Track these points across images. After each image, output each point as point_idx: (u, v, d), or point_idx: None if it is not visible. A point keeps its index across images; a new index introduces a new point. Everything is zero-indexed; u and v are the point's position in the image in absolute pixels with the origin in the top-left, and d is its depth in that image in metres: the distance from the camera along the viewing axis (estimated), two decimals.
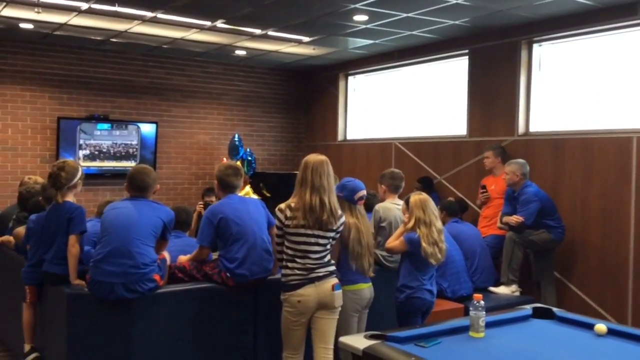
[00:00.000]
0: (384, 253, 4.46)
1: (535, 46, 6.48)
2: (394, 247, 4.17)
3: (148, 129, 8.28)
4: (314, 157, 3.69)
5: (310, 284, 3.56)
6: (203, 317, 3.95)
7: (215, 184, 4.30)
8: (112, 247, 3.65)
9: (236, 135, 8.49)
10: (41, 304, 4.19)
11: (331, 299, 3.61)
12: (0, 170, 7.51)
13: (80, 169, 4.05)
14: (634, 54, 5.72)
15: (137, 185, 3.93)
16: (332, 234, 3.64)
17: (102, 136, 7.99)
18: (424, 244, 3.99)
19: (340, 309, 3.70)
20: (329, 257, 3.68)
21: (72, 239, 3.83)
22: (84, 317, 3.65)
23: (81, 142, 7.84)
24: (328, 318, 3.65)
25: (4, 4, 5.89)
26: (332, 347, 3.67)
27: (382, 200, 4.89)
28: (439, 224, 4.11)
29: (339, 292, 3.65)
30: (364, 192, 4.03)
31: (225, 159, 8.25)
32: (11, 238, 4.95)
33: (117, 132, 8.08)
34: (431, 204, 4.13)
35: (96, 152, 7.97)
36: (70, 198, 3.98)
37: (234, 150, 8.35)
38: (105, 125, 8.00)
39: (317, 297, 3.57)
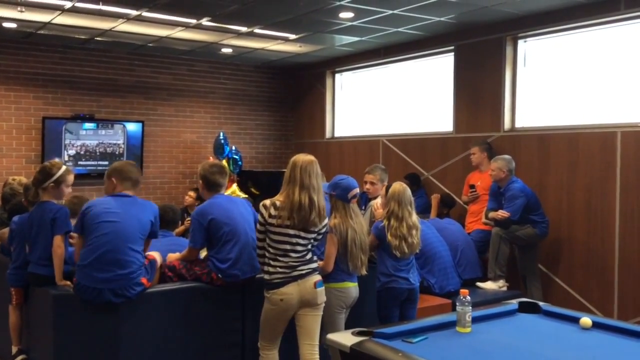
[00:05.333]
0: None
1: (520, 42, 6.52)
2: (371, 242, 4.21)
3: (134, 128, 8.23)
4: (302, 157, 3.68)
5: (293, 282, 3.56)
6: (191, 316, 3.94)
7: (199, 183, 4.24)
8: (101, 253, 3.58)
9: (221, 134, 8.45)
10: (27, 305, 4.15)
11: (313, 296, 3.61)
12: None
13: (60, 169, 3.95)
14: (618, 49, 5.77)
15: (128, 177, 3.80)
16: (313, 235, 3.64)
17: (88, 136, 7.93)
18: (389, 237, 4.06)
19: (323, 305, 3.71)
20: (310, 254, 3.68)
21: (57, 239, 3.79)
22: (70, 318, 3.62)
23: (67, 142, 7.78)
24: (312, 315, 3.66)
25: None
26: (317, 343, 3.68)
27: (375, 196, 4.91)
28: (411, 219, 4.14)
29: (321, 289, 3.65)
30: (357, 191, 4.02)
31: (211, 157, 8.23)
32: None
33: (103, 132, 8.03)
34: (407, 197, 4.16)
35: (82, 152, 7.91)
36: (53, 199, 3.93)
37: (219, 149, 8.33)
38: (91, 125, 7.95)
39: (300, 294, 3.57)
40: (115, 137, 8.09)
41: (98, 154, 8.00)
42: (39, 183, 3.93)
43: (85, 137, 7.90)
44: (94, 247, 3.61)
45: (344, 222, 3.91)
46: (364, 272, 3.99)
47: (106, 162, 7.99)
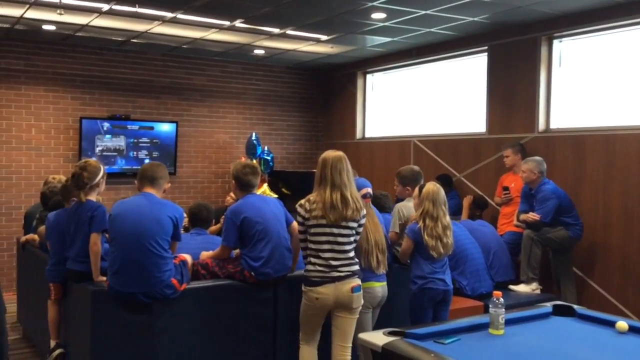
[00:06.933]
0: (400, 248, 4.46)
1: (556, 42, 6.42)
2: (405, 249, 4.20)
3: (168, 128, 8.36)
4: (332, 154, 3.70)
5: (330, 282, 3.58)
6: (224, 313, 4.00)
7: (232, 183, 4.29)
8: (125, 260, 3.65)
9: (254, 134, 8.53)
10: (65, 301, 4.26)
11: (349, 300, 3.62)
12: (24, 169, 7.64)
13: (102, 169, 4.12)
14: None
15: (147, 176, 3.90)
16: (355, 224, 3.65)
17: (123, 135, 8.08)
18: (425, 237, 4.04)
19: (360, 308, 3.72)
20: (353, 253, 3.69)
21: (94, 237, 3.89)
22: (107, 314, 3.71)
23: (103, 141, 7.94)
24: (348, 317, 3.68)
25: (27, 5, 6.00)
26: (350, 345, 3.69)
27: (402, 198, 4.87)
28: (446, 219, 4.13)
29: (358, 294, 3.65)
30: (367, 190, 4.04)
31: (243, 157, 8.31)
32: (36, 236, 5.06)
33: (138, 132, 8.17)
34: (441, 197, 4.15)
35: (117, 152, 8.06)
36: (92, 197, 4.05)
37: (251, 149, 8.41)
38: (126, 125, 8.10)
39: (335, 297, 3.59)
40: (150, 137, 8.23)
41: (133, 153, 8.14)
42: (88, 181, 4.00)
43: (120, 137, 8.04)
44: (118, 255, 3.69)
45: None
46: (381, 271, 4.00)
47: (141, 162, 8.12)
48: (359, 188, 3.98)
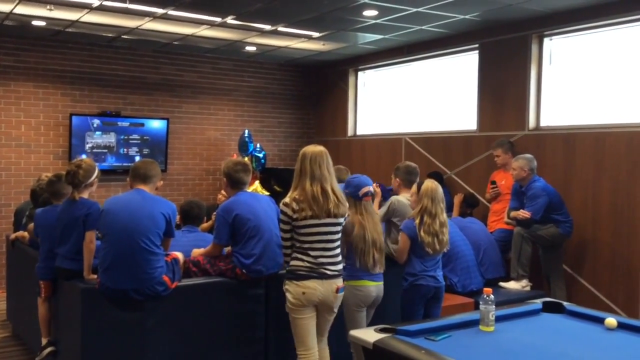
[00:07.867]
0: (394, 246, 4.47)
1: (546, 40, 6.45)
2: (403, 246, 4.20)
3: (159, 125, 8.33)
4: (312, 148, 3.72)
5: (317, 279, 3.56)
6: (215, 310, 4.00)
7: (223, 181, 4.28)
8: (118, 256, 3.64)
9: (246, 131, 8.52)
10: (55, 298, 4.24)
11: (332, 300, 3.62)
12: (14, 166, 7.59)
13: (96, 168, 4.11)
14: None
15: (140, 174, 3.89)
16: (341, 219, 3.66)
17: (114, 132, 8.04)
18: (421, 233, 4.05)
19: (336, 309, 3.72)
20: (339, 249, 3.69)
21: (90, 234, 3.88)
22: (97, 311, 3.70)
23: (93, 138, 7.90)
24: (326, 319, 3.70)
25: (17, 1, 5.95)
26: (326, 337, 3.75)
27: (397, 193, 4.89)
28: (443, 217, 4.16)
29: (341, 295, 3.67)
30: (369, 188, 4.03)
31: (235, 155, 8.29)
32: (25, 234, 5.04)
33: (129, 128, 8.14)
34: (439, 194, 4.18)
35: (107, 148, 8.02)
36: (85, 195, 4.03)
37: (243, 146, 8.40)
38: (117, 122, 8.06)
39: (321, 294, 3.57)
40: (140, 133, 8.20)
41: (124, 150, 8.11)
42: (84, 179, 3.98)
43: (111, 133, 8.01)
44: (110, 251, 3.68)
45: (351, 219, 3.89)
46: (377, 270, 3.99)
47: (131, 159, 8.10)
48: (360, 186, 3.97)
